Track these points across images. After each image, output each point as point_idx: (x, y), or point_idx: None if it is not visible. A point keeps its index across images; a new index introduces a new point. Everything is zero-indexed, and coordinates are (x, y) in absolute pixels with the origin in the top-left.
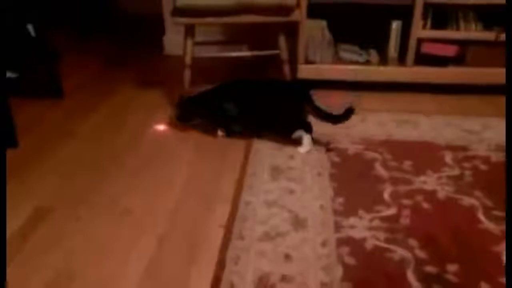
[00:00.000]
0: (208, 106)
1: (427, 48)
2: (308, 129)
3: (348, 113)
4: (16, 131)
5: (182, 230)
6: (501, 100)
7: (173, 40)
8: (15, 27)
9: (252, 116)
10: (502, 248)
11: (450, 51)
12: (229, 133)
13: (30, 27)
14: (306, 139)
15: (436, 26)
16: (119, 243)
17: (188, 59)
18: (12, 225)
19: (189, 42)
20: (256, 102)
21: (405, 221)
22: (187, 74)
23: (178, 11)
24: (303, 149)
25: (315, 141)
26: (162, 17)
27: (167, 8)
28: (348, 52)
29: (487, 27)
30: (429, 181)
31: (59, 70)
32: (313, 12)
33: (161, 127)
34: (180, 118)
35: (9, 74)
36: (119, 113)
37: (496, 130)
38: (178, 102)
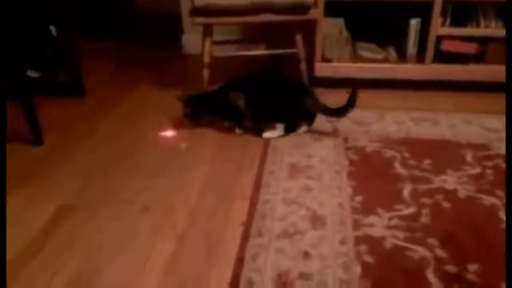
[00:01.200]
0: (216, 102)
1: (446, 46)
2: (310, 120)
3: (346, 108)
4: (41, 129)
5: (200, 227)
6: None
7: (192, 40)
8: (37, 28)
9: (259, 109)
10: None
11: (470, 48)
12: (243, 128)
13: (52, 28)
14: (279, 127)
15: (455, 23)
16: (139, 241)
17: (206, 59)
18: (34, 224)
19: (207, 42)
20: (262, 96)
21: (424, 220)
22: (205, 73)
23: (197, 11)
24: (270, 134)
25: (332, 137)
26: (181, 16)
27: (185, 7)
28: (366, 50)
29: None
30: (449, 180)
31: (81, 70)
32: (331, 10)
33: (178, 126)
34: (190, 116)
35: (32, 74)
36: (138, 112)
37: None
38: (186, 101)
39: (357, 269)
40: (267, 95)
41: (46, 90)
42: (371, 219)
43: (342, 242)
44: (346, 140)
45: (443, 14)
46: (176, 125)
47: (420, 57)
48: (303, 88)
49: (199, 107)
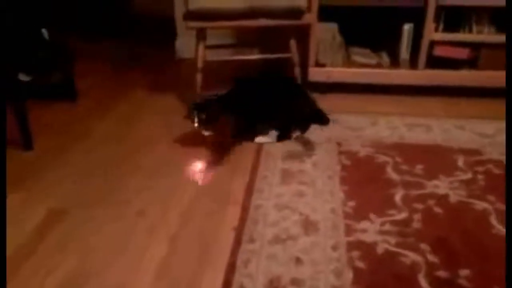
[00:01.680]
0: (228, 107)
1: (439, 51)
2: (305, 128)
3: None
4: (31, 133)
5: (194, 232)
6: None
7: (185, 44)
8: (29, 31)
9: (256, 112)
10: None
11: (463, 54)
12: (241, 133)
13: (44, 31)
14: (272, 134)
15: (448, 28)
16: (133, 244)
17: (200, 63)
18: (28, 226)
19: (201, 46)
20: (260, 99)
21: (416, 225)
22: (199, 77)
23: (190, 15)
24: (262, 139)
25: (325, 143)
26: (175, 20)
27: (179, 11)
28: (359, 55)
29: (500, 29)
30: (441, 185)
31: (73, 72)
32: (324, 15)
33: (174, 130)
34: (205, 122)
35: (23, 77)
36: (132, 115)
37: None
38: (203, 105)
39: (349, 275)
40: (265, 98)
41: (38, 93)
42: (363, 224)
43: (334, 247)
44: (339, 145)
45: (436, 19)
46: (173, 129)
47: (413, 62)
48: (300, 90)
49: (216, 111)
